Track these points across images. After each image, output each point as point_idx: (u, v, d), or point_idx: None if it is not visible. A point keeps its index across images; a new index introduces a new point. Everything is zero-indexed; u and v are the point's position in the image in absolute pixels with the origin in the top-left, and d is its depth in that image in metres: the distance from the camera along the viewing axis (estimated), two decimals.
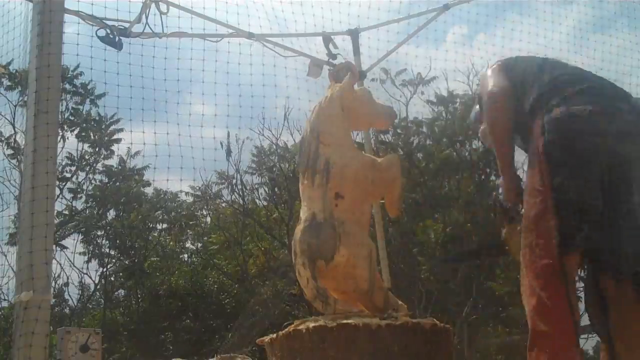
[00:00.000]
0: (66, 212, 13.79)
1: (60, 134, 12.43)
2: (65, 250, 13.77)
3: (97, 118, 13.43)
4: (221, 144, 10.59)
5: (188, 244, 16.22)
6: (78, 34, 2.99)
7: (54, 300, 12.76)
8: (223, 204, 13.79)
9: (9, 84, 12.67)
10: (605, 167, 2.19)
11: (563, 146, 2.21)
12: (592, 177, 2.18)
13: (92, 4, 3.50)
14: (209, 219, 15.29)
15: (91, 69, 3.16)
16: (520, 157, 2.61)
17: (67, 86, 12.88)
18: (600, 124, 2.22)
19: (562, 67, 2.56)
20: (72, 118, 13.30)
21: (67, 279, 14.00)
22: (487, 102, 2.46)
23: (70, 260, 14.02)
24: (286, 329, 2.73)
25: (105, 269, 14.36)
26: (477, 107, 2.80)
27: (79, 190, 13.88)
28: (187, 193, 14.25)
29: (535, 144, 2.26)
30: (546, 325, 2.09)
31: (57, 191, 12.23)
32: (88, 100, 13.25)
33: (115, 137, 13.50)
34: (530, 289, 2.16)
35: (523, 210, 2.32)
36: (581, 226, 2.13)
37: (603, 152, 2.20)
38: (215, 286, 13.94)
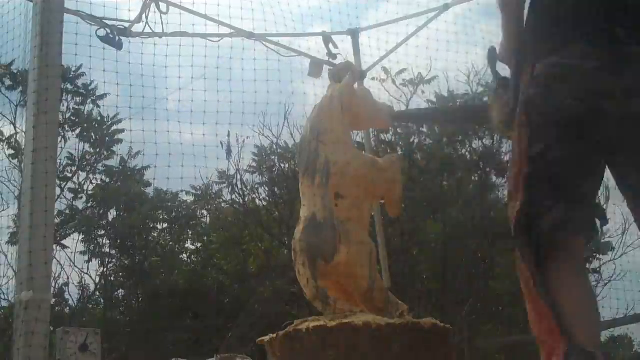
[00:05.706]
0: (67, 212, 13.79)
1: (62, 134, 12.43)
2: (66, 249, 13.78)
3: (98, 118, 13.43)
4: (221, 143, 10.57)
5: (188, 244, 16.24)
6: (77, 33, 2.99)
7: (54, 300, 12.76)
8: (223, 204, 13.80)
9: (10, 83, 12.67)
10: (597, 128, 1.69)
11: (545, 105, 1.73)
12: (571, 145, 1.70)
13: (92, 4, 3.51)
14: (208, 219, 15.30)
15: (90, 68, 3.17)
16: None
17: (69, 86, 12.88)
18: (598, 80, 1.68)
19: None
20: (74, 118, 13.30)
21: (68, 278, 14.00)
22: None
23: (70, 260, 14.02)
24: (286, 329, 2.73)
25: (105, 269, 14.36)
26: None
27: (79, 190, 13.88)
28: (187, 192, 14.26)
29: (520, 100, 1.79)
30: (535, 331, 1.74)
31: (58, 191, 12.24)
32: (90, 100, 13.25)
33: (116, 137, 13.49)
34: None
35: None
36: (547, 209, 1.69)
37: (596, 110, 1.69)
38: (215, 286, 13.94)
